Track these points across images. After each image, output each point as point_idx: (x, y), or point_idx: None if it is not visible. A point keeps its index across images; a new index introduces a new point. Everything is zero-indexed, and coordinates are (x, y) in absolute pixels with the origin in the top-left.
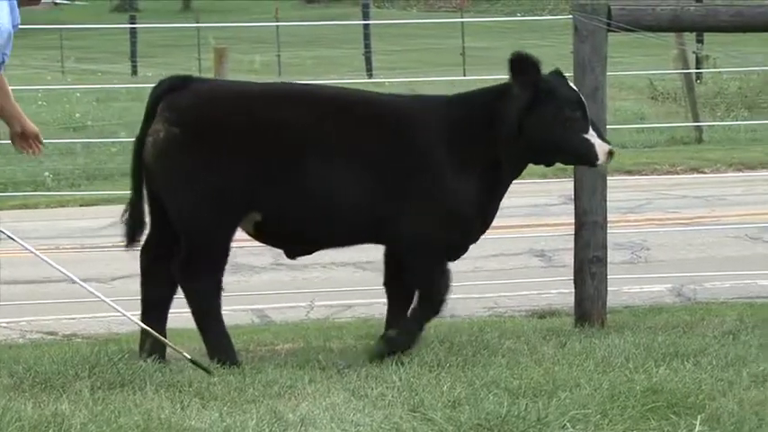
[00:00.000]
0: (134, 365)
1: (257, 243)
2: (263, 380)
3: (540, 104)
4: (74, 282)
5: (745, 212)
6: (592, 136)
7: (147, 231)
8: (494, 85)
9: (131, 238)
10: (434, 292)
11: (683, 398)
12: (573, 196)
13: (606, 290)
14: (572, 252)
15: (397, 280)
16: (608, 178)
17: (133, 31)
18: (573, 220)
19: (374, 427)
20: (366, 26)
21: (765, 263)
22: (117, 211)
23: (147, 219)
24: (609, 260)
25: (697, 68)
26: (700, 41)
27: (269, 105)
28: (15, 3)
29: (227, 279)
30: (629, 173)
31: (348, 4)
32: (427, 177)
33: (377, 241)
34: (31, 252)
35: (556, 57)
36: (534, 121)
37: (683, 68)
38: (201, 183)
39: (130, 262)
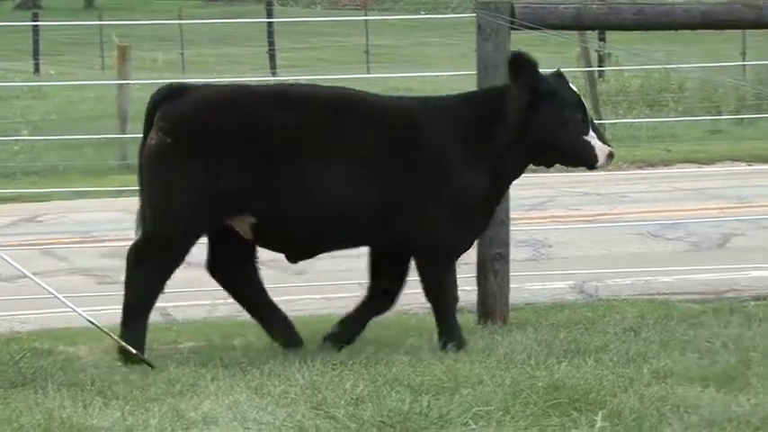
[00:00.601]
0: (35, 364)
1: None
2: (166, 378)
3: (541, 105)
4: (25, 276)
5: (647, 210)
6: (592, 138)
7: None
8: (494, 86)
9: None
10: (445, 289)
11: (585, 394)
12: None
13: (508, 287)
14: (475, 249)
15: (381, 283)
16: None
17: (36, 29)
18: None
19: (277, 424)
20: (270, 24)
21: (666, 260)
22: (19, 211)
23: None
24: (511, 257)
25: (599, 66)
26: (602, 40)
27: (264, 108)
28: None
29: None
30: (532, 170)
31: (252, 1)
32: (430, 177)
33: (375, 243)
34: None
35: (459, 55)
36: (535, 122)
37: (585, 66)
38: (185, 186)
39: (34, 260)
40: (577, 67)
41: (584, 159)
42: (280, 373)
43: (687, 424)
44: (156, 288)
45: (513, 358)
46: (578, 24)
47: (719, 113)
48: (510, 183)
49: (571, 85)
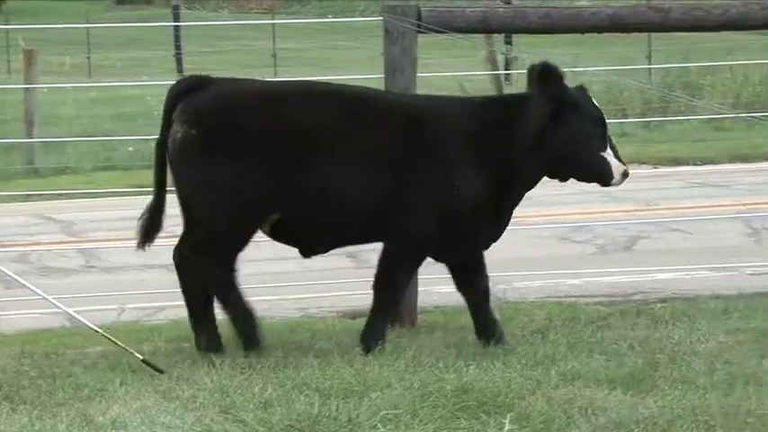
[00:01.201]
0: None
1: (66, 246)
2: (74, 383)
3: (563, 117)
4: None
5: (554, 213)
6: (609, 155)
7: (160, 231)
8: (518, 93)
9: (145, 237)
10: (394, 290)
11: (493, 397)
12: None
13: (416, 290)
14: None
15: (468, 281)
16: None
17: None
18: None
19: (185, 429)
20: (176, 28)
21: (574, 263)
22: None
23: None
24: None
25: (506, 70)
26: (509, 43)
27: (289, 105)
28: None
29: (36, 282)
30: None
31: (160, 5)
32: (437, 176)
33: (386, 239)
34: None
35: (367, 58)
36: (554, 134)
37: (492, 70)
38: (226, 182)
39: None
40: (484, 70)
41: (599, 176)
42: (188, 378)
43: (595, 426)
44: (233, 279)
45: (422, 361)
46: (485, 27)
47: (626, 116)
48: (523, 191)
49: (594, 100)
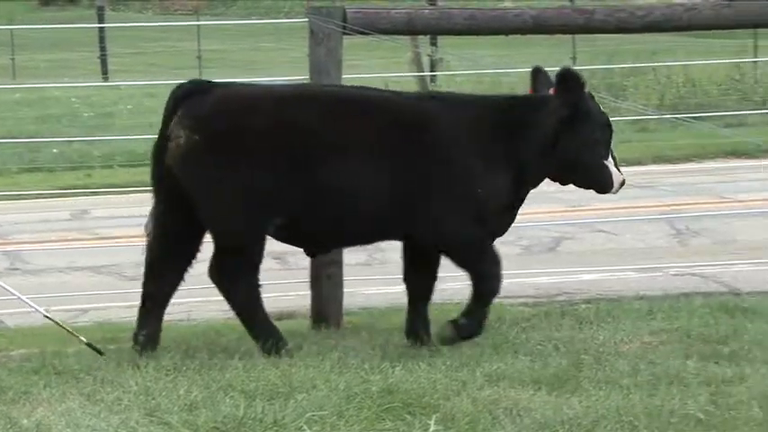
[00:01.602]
0: None
1: None
2: None
3: (577, 124)
4: None
5: None
6: (610, 163)
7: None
8: (541, 95)
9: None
10: (486, 276)
11: (419, 398)
12: None
13: (342, 292)
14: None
15: (415, 274)
16: None
17: None
18: None
19: (110, 431)
20: (101, 29)
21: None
22: None
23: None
24: (345, 262)
25: (431, 71)
26: (434, 44)
27: (291, 108)
28: None
29: None
30: None
31: (85, 6)
32: (453, 176)
33: (399, 238)
34: None
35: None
36: (567, 138)
37: (417, 71)
38: (231, 187)
39: None
40: (409, 71)
41: (599, 183)
42: (113, 380)
43: (520, 427)
44: (256, 288)
45: (347, 363)
46: (410, 29)
47: None
48: (527, 190)
49: (601, 107)
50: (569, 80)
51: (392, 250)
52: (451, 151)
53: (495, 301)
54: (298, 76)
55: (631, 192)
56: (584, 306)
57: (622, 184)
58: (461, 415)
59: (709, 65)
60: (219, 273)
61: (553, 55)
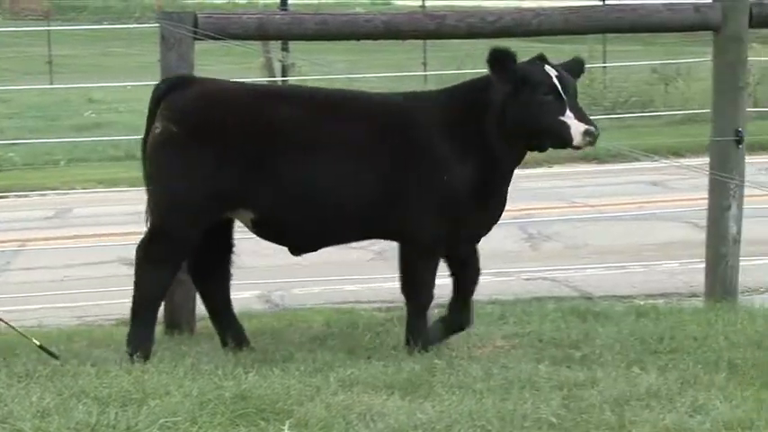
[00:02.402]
0: None
1: None
2: None
3: (517, 92)
4: None
5: None
6: (569, 117)
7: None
8: (477, 78)
9: None
10: (424, 286)
11: (272, 403)
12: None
13: (195, 298)
14: None
15: (460, 268)
16: None
17: None
18: None
19: None
20: None
21: (352, 269)
22: None
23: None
24: None
25: (283, 76)
26: (285, 50)
27: (266, 105)
28: None
29: None
30: None
31: None
32: (425, 171)
33: (381, 236)
34: None
35: (143, 65)
36: (514, 108)
37: (269, 76)
38: (189, 178)
39: None
40: (261, 76)
41: (560, 139)
42: None
43: (373, 431)
44: (164, 285)
45: (201, 368)
46: (262, 34)
47: None
48: (510, 170)
49: (548, 67)
50: (499, 57)
51: (247, 254)
52: (426, 146)
53: (349, 305)
54: (149, 81)
55: None
56: (436, 311)
57: (587, 133)
58: (315, 420)
59: None
60: (143, 253)
61: (405, 61)
